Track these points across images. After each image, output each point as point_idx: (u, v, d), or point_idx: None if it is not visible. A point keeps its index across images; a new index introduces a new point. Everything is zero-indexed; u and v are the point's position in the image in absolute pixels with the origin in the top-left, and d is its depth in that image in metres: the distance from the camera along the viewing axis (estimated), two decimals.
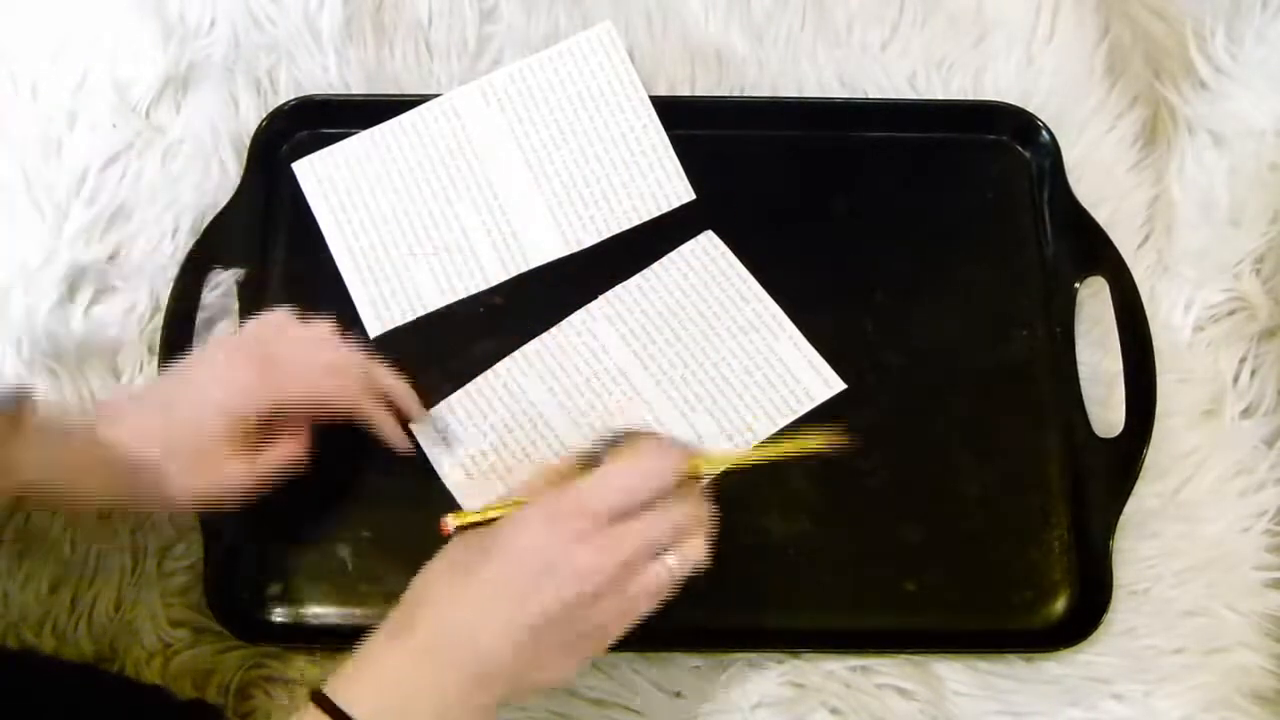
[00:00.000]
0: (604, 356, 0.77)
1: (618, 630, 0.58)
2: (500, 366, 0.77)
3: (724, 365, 0.77)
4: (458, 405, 0.76)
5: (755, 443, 0.75)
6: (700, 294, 0.79)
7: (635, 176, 0.82)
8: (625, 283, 0.79)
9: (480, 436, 0.75)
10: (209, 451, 0.65)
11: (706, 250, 0.80)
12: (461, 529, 0.58)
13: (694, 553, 0.59)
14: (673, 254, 0.80)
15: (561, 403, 0.76)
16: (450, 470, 0.74)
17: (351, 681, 0.55)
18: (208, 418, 0.65)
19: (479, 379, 0.76)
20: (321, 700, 0.54)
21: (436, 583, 0.58)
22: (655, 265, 0.80)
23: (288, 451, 0.68)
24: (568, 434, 0.75)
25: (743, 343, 0.78)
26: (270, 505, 0.74)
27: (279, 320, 0.69)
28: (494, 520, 0.58)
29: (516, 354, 0.77)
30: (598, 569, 0.56)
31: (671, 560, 0.58)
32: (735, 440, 0.75)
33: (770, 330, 0.78)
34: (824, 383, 0.77)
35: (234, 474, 0.66)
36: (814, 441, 0.68)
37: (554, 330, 0.78)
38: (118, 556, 0.73)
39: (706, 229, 0.81)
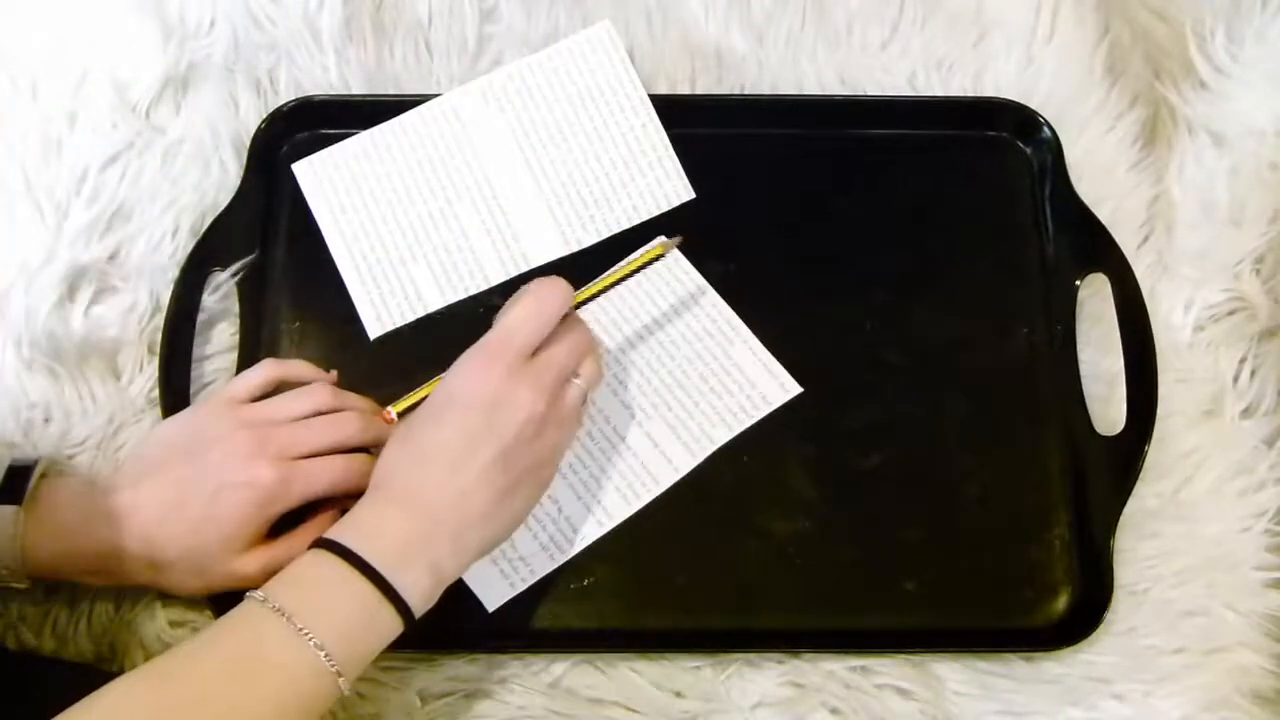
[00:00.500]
0: None
1: (557, 457, 0.68)
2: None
3: (679, 372, 0.77)
4: None
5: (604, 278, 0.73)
6: (655, 300, 0.79)
7: (635, 176, 0.82)
8: (575, 291, 0.79)
9: None
10: (222, 554, 0.66)
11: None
12: (403, 413, 0.67)
13: (594, 371, 0.69)
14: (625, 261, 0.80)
15: None
16: None
17: (350, 530, 0.61)
18: (228, 530, 0.66)
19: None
20: (326, 543, 0.59)
21: (400, 452, 0.64)
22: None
23: (305, 541, 0.66)
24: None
25: (698, 349, 0.78)
26: None
27: (285, 409, 0.70)
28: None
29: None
30: (534, 398, 0.64)
31: (579, 381, 0.68)
32: (693, 449, 0.75)
33: (725, 336, 0.78)
34: (780, 387, 0.77)
35: (246, 570, 0.66)
36: (654, 250, 0.74)
37: None
38: None
39: (706, 229, 0.80)
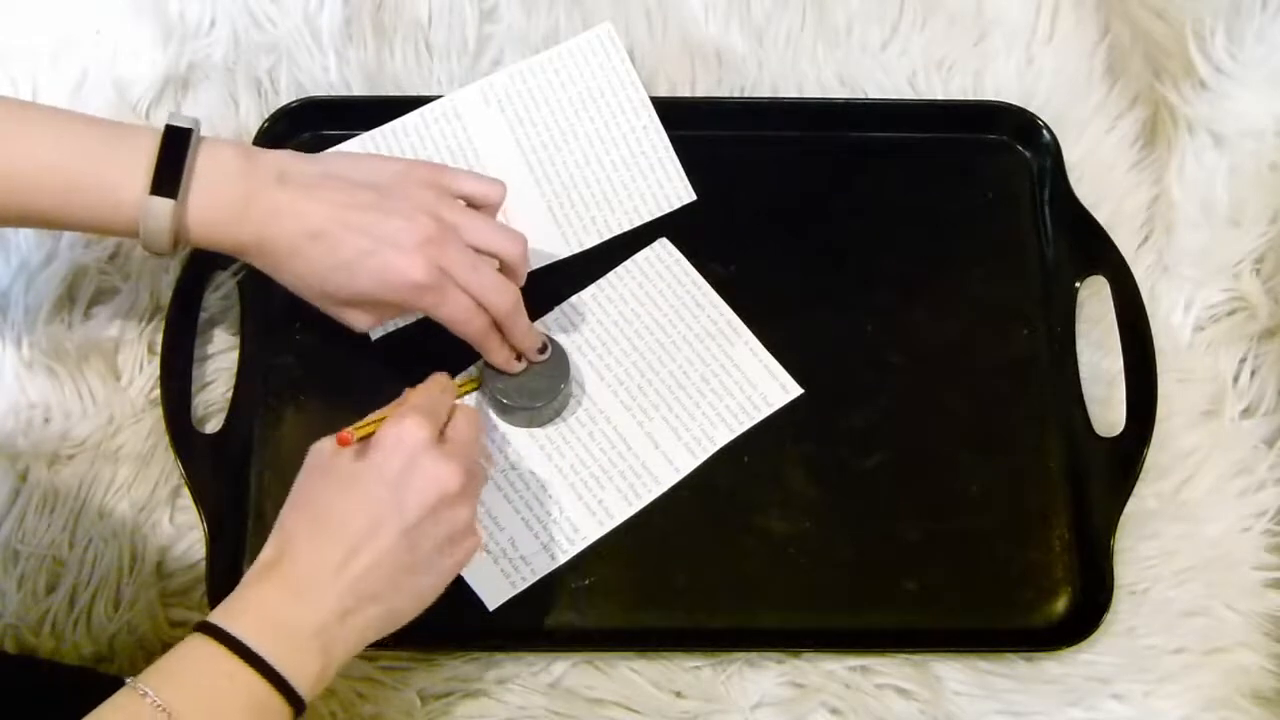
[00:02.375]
0: None
1: (468, 539, 0.64)
2: (458, 378, 0.76)
3: (680, 373, 0.77)
4: None
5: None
6: (656, 302, 0.79)
7: (636, 177, 0.82)
8: (580, 293, 0.79)
9: None
10: (347, 296, 0.68)
11: (661, 258, 0.80)
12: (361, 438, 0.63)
13: (488, 457, 0.71)
14: (627, 262, 0.80)
15: None
16: None
17: (232, 613, 0.58)
18: (362, 286, 0.67)
19: None
20: (208, 629, 0.57)
21: (299, 520, 0.61)
22: (610, 274, 0.80)
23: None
24: (522, 445, 0.75)
25: (699, 350, 0.78)
26: (273, 504, 0.74)
27: (475, 232, 0.69)
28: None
29: (471, 368, 0.76)
30: (454, 474, 0.62)
31: (485, 462, 0.69)
32: (694, 450, 0.75)
33: (726, 337, 0.78)
34: (781, 388, 0.77)
35: (355, 321, 0.70)
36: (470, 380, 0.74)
37: None
38: (116, 556, 0.73)
39: (707, 231, 0.81)
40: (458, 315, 0.68)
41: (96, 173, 0.63)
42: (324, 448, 0.64)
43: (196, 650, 0.56)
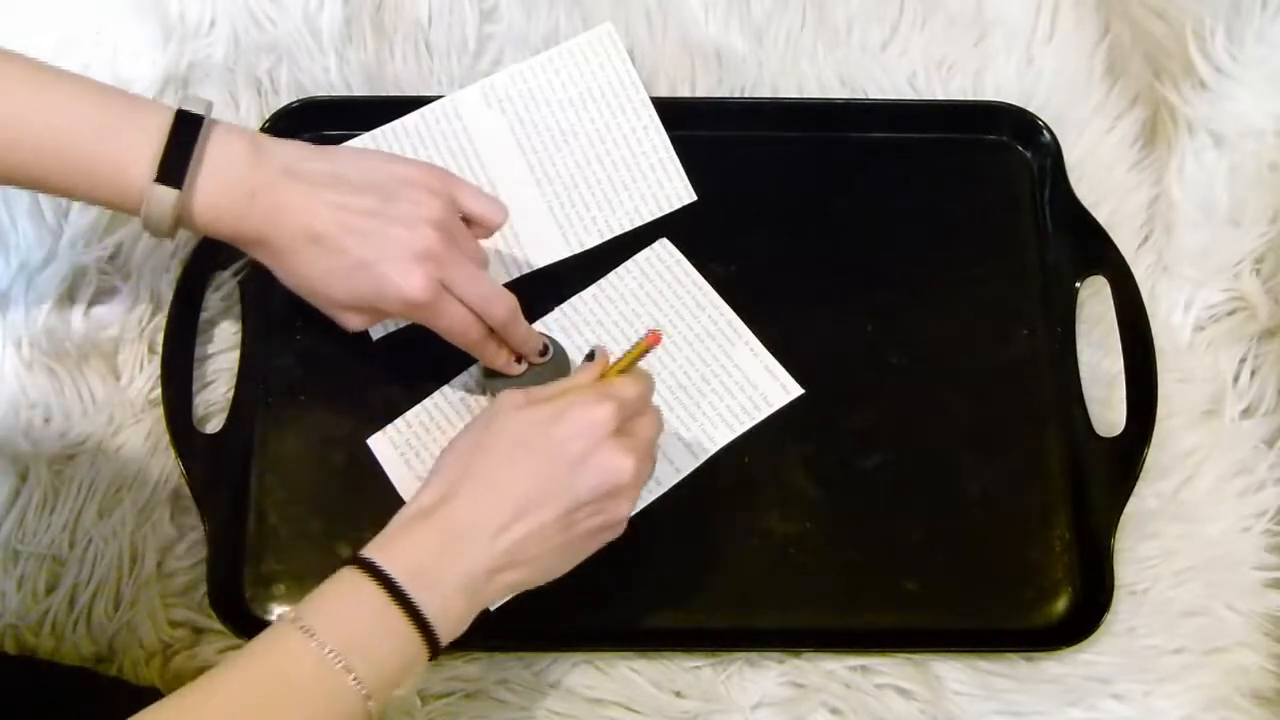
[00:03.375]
0: None
1: (623, 520, 0.64)
2: (457, 381, 0.76)
3: (681, 373, 0.77)
4: (414, 420, 0.76)
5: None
6: (656, 302, 0.79)
7: (637, 178, 0.82)
8: (580, 293, 0.79)
9: (439, 450, 0.75)
10: (342, 298, 0.67)
11: (662, 258, 0.80)
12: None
13: (658, 450, 0.68)
14: (628, 263, 0.80)
15: None
16: (407, 485, 0.74)
17: (388, 551, 0.59)
18: (364, 290, 0.66)
19: (435, 394, 0.76)
20: (360, 563, 0.58)
21: (474, 460, 0.62)
22: (610, 275, 0.80)
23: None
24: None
25: (700, 350, 0.78)
26: (273, 504, 0.74)
27: (473, 250, 0.70)
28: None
29: (473, 368, 0.76)
30: (628, 464, 0.61)
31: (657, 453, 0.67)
32: (694, 450, 0.75)
33: (726, 337, 0.78)
34: (781, 388, 0.77)
35: (349, 321, 0.69)
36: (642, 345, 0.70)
37: None
38: (116, 556, 0.73)
39: (708, 231, 0.81)
40: (454, 327, 0.68)
41: (106, 153, 0.62)
42: (513, 400, 0.63)
43: (350, 585, 0.58)
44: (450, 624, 0.59)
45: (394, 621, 0.57)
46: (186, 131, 0.63)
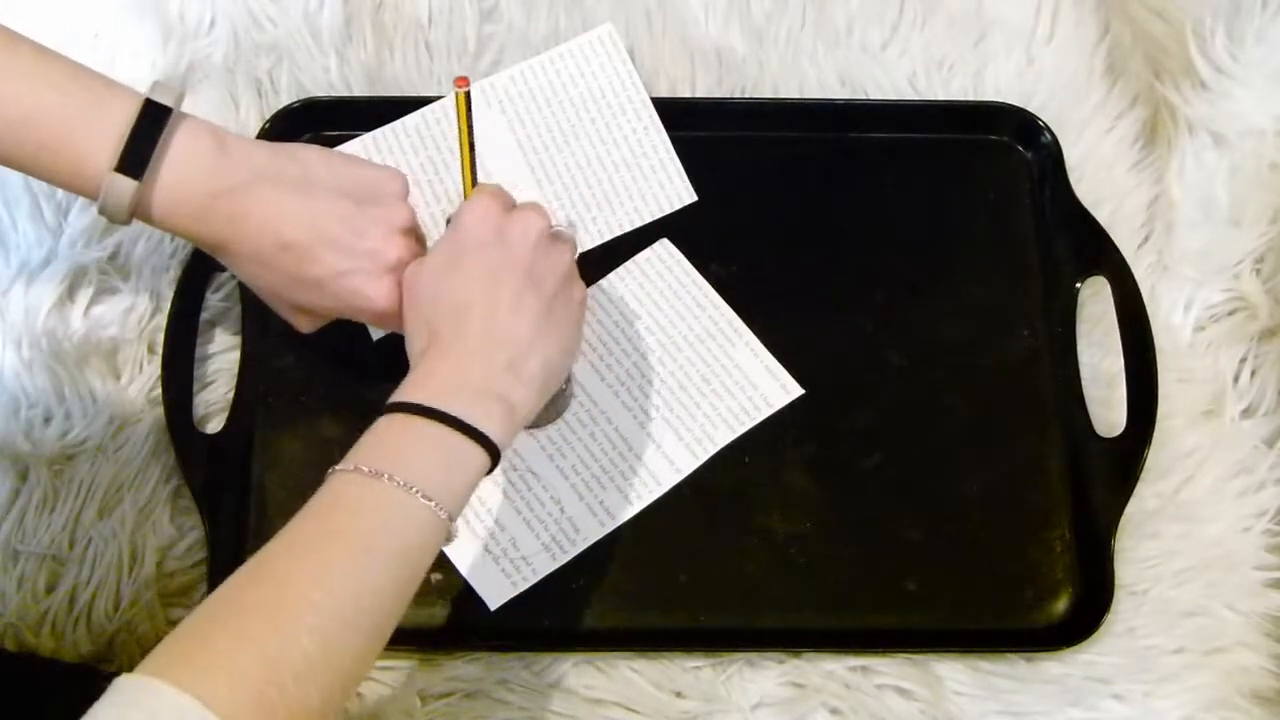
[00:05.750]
0: None
1: (576, 276, 0.67)
2: None
3: (681, 374, 0.77)
4: None
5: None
6: (656, 302, 0.79)
7: (637, 178, 0.82)
8: None
9: None
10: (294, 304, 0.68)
11: (662, 259, 0.80)
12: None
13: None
14: (628, 263, 0.80)
15: None
16: None
17: (403, 392, 0.60)
18: (353, 296, 0.66)
19: None
20: (392, 408, 0.59)
21: (433, 314, 0.63)
22: (611, 275, 0.80)
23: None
24: (524, 446, 0.75)
25: (700, 351, 0.78)
26: (273, 504, 0.74)
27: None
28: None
29: None
30: (536, 215, 0.65)
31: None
32: (695, 450, 0.75)
33: (727, 338, 0.78)
34: (782, 388, 0.77)
35: (300, 323, 0.69)
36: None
37: None
38: (116, 556, 0.73)
39: (708, 232, 0.81)
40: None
41: (68, 139, 0.61)
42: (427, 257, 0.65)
43: (388, 425, 0.59)
44: (499, 426, 0.59)
45: (450, 441, 0.58)
46: (152, 122, 0.61)
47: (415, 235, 0.68)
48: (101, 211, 0.62)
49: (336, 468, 0.57)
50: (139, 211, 0.62)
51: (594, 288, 0.79)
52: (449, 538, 0.58)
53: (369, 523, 0.55)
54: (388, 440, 0.58)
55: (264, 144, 0.66)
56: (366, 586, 0.54)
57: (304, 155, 0.67)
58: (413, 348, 0.63)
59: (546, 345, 0.63)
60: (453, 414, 0.58)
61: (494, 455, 0.59)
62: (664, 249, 0.80)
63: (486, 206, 0.64)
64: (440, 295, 0.63)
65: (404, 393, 0.60)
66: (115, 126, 0.61)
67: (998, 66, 0.86)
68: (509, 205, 0.66)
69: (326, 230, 0.64)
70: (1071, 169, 0.82)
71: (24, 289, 0.77)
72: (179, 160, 0.62)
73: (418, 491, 0.55)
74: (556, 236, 0.66)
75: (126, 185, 0.61)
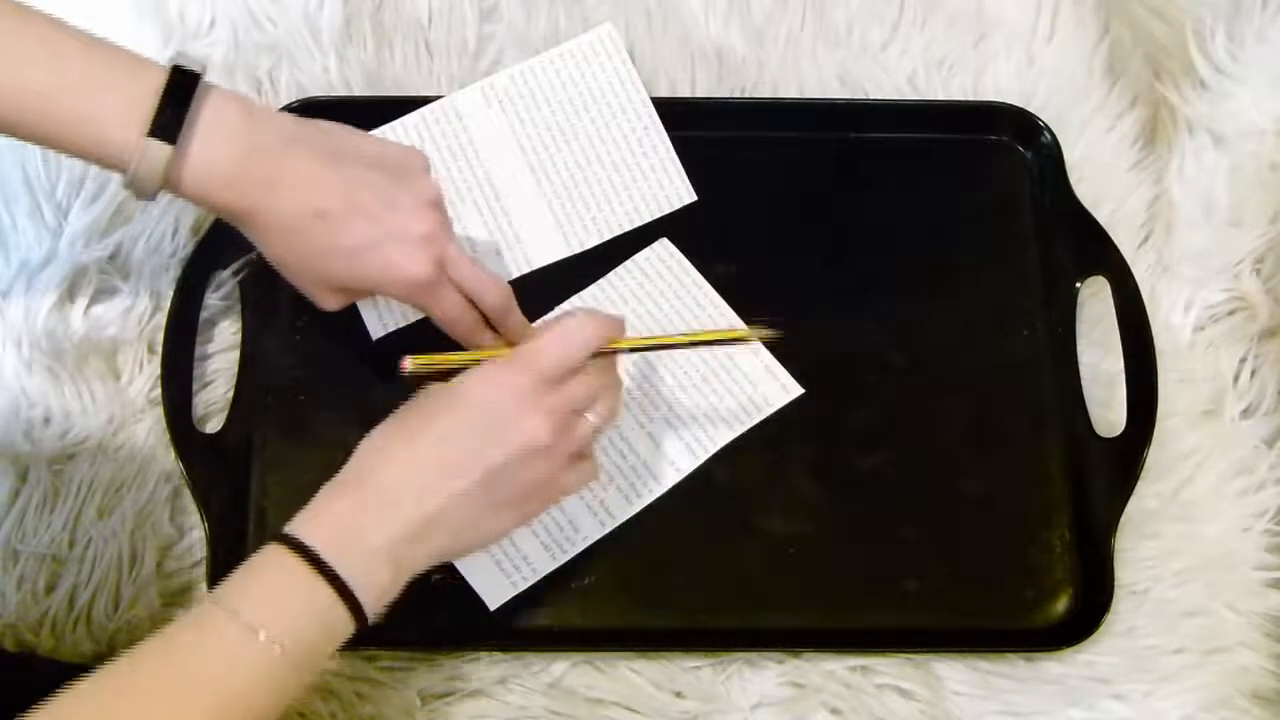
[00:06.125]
0: None
1: (552, 489, 0.64)
2: (456, 379, 0.76)
3: (681, 373, 0.77)
4: None
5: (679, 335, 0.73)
6: (657, 302, 0.79)
7: (637, 178, 0.82)
8: (581, 293, 0.79)
9: None
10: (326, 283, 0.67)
11: (662, 258, 0.80)
12: (417, 374, 0.64)
13: (610, 412, 0.65)
14: (628, 262, 0.80)
15: None
16: None
17: (308, 524, 0.58)
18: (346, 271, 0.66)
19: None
20: (285, 539, 0.57)
21: (391, 437, 0.61)
22: (611, 274, 0.79)
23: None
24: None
25: (700, 351, 0.78)
26: (273, 504, 0.74)
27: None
28: (446, 370, 0.63)
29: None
30: (541, 427, 0.61)
31: (593, 417, 0.64)
32: (695, 450, 0.75)
33: None
34: (782, 388, 0.77)
35: (327, 302, 0.68)
36: (739, 333, 0.72)
37: None
38: (116, 556, 0.73)
39: (708, 232, 0.81)
40: (450, 313, 0.68)
41: (97, 109, 0.60)
42: (430, 389, 0.63)
43: (272, 561, 0.57)
44: (376, 594, 0.57)
45: (316, 591, 0.56)
46: (183, 89, 0.61)
47: (442, 210, 0.67)
48: (130, 184, 0.61)
49: (207, 595, 0.56)
50: (169, 180, 0.61)
51: (594, 286, 0.79)
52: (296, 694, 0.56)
53: (211, 665, 0.54)
54: (262, 577, 0.57)
55: (290, 115, 0.66)
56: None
57: (329, 127, 0.66)
58: (344, 467, 0.61)
59: (464, 538, 0.61)
60: (341, 575, 0.56)
61: (362, 623, 0.57)
62: (664, 248, 0.80)
63: (505, 382, 0.61)
64: (399, 440, 0.61)
65: (303, 520, 0.58)
66: (145, 94, 0.60)
67: (998, 66, 0.86)
68: (533, 387, 0.61)
69: (360, 199, 0.64)
70: (1071, 169, 0.82)
71: (24, 289, 0.77)
72: (211, 125, 0.61)
73: (277, 645, 0.54)
74: (582, 457, 0.63)
75: (160, 151, 0.60)
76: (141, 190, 0.61)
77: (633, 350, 0.69)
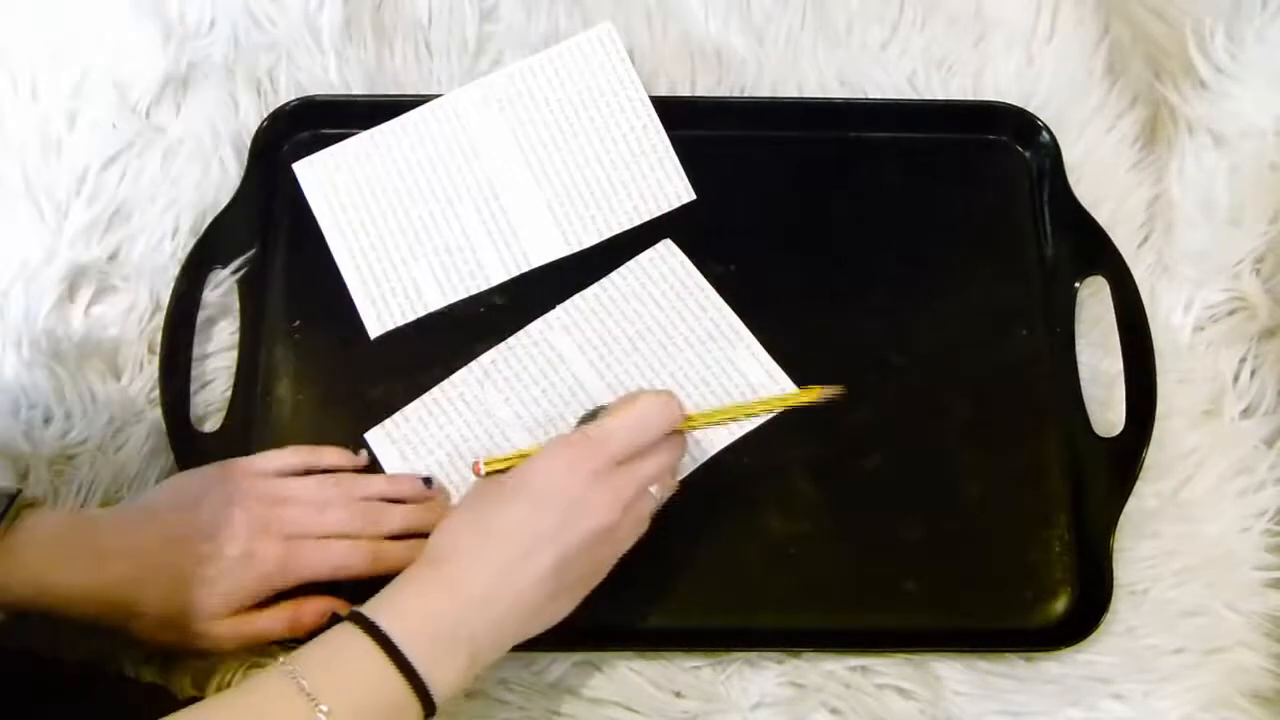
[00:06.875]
0: (561, 367, 0.77)
1: (610, 563, 0.65)
2: (456, 377, 0.76)
3: (681, 375, 0.77)
4: (413, 415, 0.76)
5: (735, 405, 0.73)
6: (658, 303, 0.79)
7: (636, 176, 0.82)
8: (583, 292, 0.79)
9: (436, 447, 0.75)
10: (203, 617, 0.65)
11: (665, 259, 0.80)
12: (491, 473, 0.64)
13: (671, 485, 0.67)
14: (630, 263, 0.80)
15: (518, 413, 0.76)
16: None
17: (384, 608, 0.58)
18: (216, 597, 0.65)
19: (435, 390, 0.76)
20: (360, 620, 0.57)
21: (463, 529, 0.61)
22: (613, 274, 0.80)
23: (285, 618, 0.67)
24: (524, 445, 0.75)
25: (700, 353, 0.78)
26: None
27: (306, 492, 0.69)
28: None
29: (473, 364, 0.77)
30: (610, 510, 0.62)
31: (654, 491, 0.65)
32: (691, 452, 0.75)
33: (728, 340, 0.78)
34: (780, 389, 0.77)
35: (220, 635, 0.66)
36: (804, 395, 0.71)
37: (511, 340, 0.78)
38: None
39: (707, 231, 0.81)
40: (336, 560, 0.68)
41: None
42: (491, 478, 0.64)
43: (348, 642, 0.57)
44: (448, 684, 0.58)
45: (388, 678, 0.56)
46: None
47: (271, 497, 0.68)
48: None
49: (284, 661, 0.56)
50: None
51: (596, 286, 0.79)
52: None
53: None
54: (335, 654, 0.57)
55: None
56: None
57: (152, 490, 0.69)
58: (425, 551, 0.61)
59: (537, 621, 0.62)
60: (415, 666, 0.56)
61: (430, 711, 0.57)
62: (666, 249, 0.80)
63: (574, 466, 0.62)
64: (476, 521, 0.61)
65: (386, 606, 0.59)
66: None
67: (997, 66, 0.86)
68: (602, 471, 0.62)
69: (171, 549, 0.65)
70: (1071, 169, 0.82)
71: (24, 289, 0.77)
72: (35, 523, 0.64)
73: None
74: (610, 531, 0.63)
75: None
76: None
77: (694, 427, 0.69)
